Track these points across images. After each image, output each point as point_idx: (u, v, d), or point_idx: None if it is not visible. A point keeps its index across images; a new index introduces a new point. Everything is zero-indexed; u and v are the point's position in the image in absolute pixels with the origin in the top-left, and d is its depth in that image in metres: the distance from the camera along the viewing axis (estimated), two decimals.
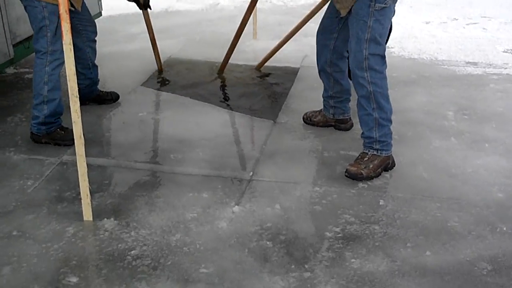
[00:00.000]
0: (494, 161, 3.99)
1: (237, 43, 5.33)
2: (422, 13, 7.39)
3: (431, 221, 3.33)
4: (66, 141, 4.07)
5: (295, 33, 5.44)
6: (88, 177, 3.19)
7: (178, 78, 5.44)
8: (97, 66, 4.63)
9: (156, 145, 4.22)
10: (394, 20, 5.83)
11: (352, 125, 4.42)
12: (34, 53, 4.16)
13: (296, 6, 7.95)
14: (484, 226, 3.29)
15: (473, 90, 5.14)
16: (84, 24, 4.37)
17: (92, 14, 4.68)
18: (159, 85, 5.26)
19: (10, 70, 5.41)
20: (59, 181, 3.70)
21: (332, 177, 3.79)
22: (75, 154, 3.88)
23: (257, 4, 6.22)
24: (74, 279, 2.80)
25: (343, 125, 4.41)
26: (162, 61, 5.60)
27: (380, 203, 3.51)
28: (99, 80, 4.71)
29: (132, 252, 3.01)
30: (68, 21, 2.78)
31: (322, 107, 4.50)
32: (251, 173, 3.84)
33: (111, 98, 4.79)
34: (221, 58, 5.81)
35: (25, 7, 4.01)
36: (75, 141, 3.07)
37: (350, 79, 3.99)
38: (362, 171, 3.75)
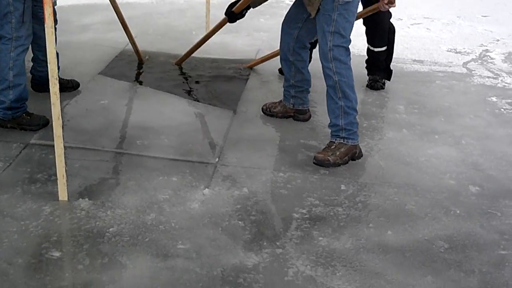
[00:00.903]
0: (444, 151, 4.24)
1: (203, 43, 5.41)
2: None
3: (390, 204, 3.55)
4: (33, 126, 4.13)
5: (208, 39, 5.49)
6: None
7: (135, 68, 5.50)
8: (58, 54, 4.63)
9: (122, 132, 4.30)
10: None
11: (310, 116, 4.59)
12: None
13: None
14: (439, 209, 3.52)
15: (421, 86, 5.40)
16: (39, 18, 4.25)
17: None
18: (117, 75, 5.29)
19: None
20: (29, 164, 3.74)
21: (295, 164, 3.95)
22: (42, 138, 3.99)
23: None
24: (56, 254, 2.87)
25: (301, 115, 4.56)
26: (117, 53, 5.65)
27: (342, 188, 3.70)
28: (59, 68, 4.71)
29: (111, 229, 3.09)
30: (51, 5, 2.84)
31: (279, 98, 4.66)
32: (217, 159, 3.96)
33: (72, 86, 4.81)
34: (175, 50, 5.93)
35: None
36: (53, 122, 3.13)
37: None
38: (329, 157, 3.93)
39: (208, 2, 6.49)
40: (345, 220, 3.36)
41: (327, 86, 4.00)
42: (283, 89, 4.59)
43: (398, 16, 7.52)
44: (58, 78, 3.06)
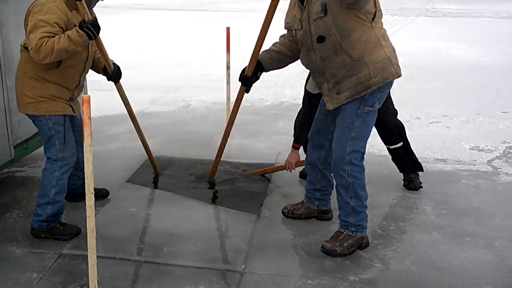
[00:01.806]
0: (478, 255, 4.15)
1: (225, 144, 5.44)
2: None
3: None
4: (65, 236, 4.24)
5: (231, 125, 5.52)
6: None
7: (162, 175, 5.56)
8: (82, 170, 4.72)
9: (149, 239, 4.33)
10: None
11: (332, 215, 4.60)
12: (30, 153, 4.28)
13: (263, 106, 8.23)
14: None
15: (447, 185, 5.37)
16: (78, 130, 4.45)
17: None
18: (144, 182, 5.37)
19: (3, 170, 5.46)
20: (62, 274, 3.81)
21: (323, 270, 3.90)
22: (74, 248, 4.04)
23: (227, 105, 6.51)
24: None
25: (326, 215, 4.60)
26: (143, 160, 5.74)
27: None
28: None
29: None
30: (90, 126, 2.94)
31: (301, 200, 4.67)
32: (243, 266, 3.93)
33: (102, 195, 4.91)
34: (198, 156, 6.03)
35: (33, 121, 4.25)
36: (88, 234, 3.21)
37: None
38: (336, 248, 4.00)
39: (228, 109, 6.62)
40: None
41: (338, 184, 4.07)
42: (306, 191, 4.61)
43: (416, 115, 7.62)
44: (93, 193, 3.12)
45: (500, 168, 5.82)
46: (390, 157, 5.33)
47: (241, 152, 6.19)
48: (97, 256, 3.44)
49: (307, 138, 4.59)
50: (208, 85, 9.44)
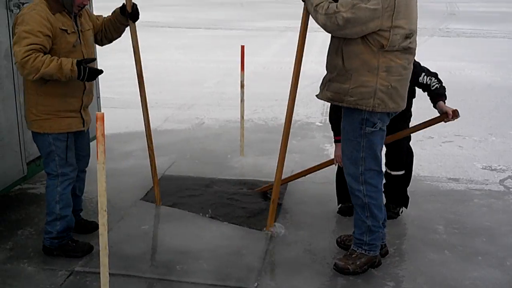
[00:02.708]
0: (490, 274, 4.16)
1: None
2: None
3: None
4: (77, 253, 4.24)
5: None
6: None
7: (174, 193, 5.60)
8: (80, 197, 4.68)
9: (162, 257, 4.34)
10: None
11: (387, 252, 4.37)
12: (42, 170, 4.32)
13: (277, 125, 8.26)
14: None
15: (459, 205, 5.38)
16: (78, 154, 4.40)
17: (90, 135, 4.76)
18: (157, 200, 5.38)
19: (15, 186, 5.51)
20: None
21: None
22: (86, 265, 4.07)
23: (241, 123, 6.57)
24: None
25: (380, 251, 4.26)
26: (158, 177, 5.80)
27: None
28: (81, 209, 4.75)
29: None
30: (103, 143, 2.97)
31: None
32: (256, 283, 3.95)
33: (90, 228, 4.66)
34: (211, 174, 6.08)
35: (32, 136, 4.22)
36: (100, 252, 3.21)
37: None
38: (349, 266, 4.03)
39: (242, 127, 6.68)
40: None
41: (354, 204, 4.08)
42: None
43: (429, 135, 7.63)
44: (106, 210, 3.15)
45: None
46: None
47: (255, 170, 6.23)
48: (109, 273, 3.48)
49: None
50: (222, 103, 9.51)
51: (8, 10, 4.55)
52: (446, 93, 4.78)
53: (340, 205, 5.15)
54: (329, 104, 4.55)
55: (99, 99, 6.13)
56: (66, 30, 4.00)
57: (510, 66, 13.29)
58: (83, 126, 4.27)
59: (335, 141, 4.87)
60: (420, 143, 7.31)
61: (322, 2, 3.79)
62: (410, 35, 3.77)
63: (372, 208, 4.02)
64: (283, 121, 8.42)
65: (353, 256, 4.11)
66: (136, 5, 4.48)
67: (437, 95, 4.73)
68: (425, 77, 4.79)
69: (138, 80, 4.75)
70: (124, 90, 10.38)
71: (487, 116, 8.83)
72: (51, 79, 3.90)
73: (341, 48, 3.85)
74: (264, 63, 13.46)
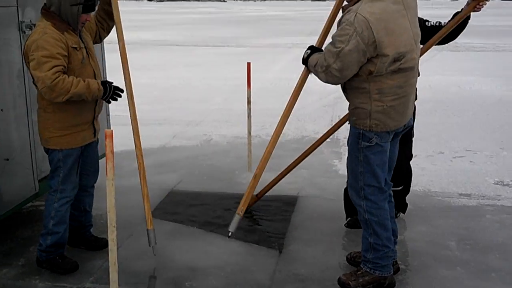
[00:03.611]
0: None
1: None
2: None
3: None
4: (61, 269, 4.27)
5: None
6: None
7: (183, 209, 5.58)
8: (90, 213, 4.70)
9: (171, 273, 4.30)
10: None
11: (398, 269, 4.29)
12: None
13: (285, 140, 8.21)
14: None
15: (471, 221, 5.30)
16: (87, 169, 4.48)
17: (100, 153, 4.76)
18: (166, 216, 5.40)
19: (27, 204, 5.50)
20: None
21: None
22: (97, 281, 4.08)
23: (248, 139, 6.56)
24: None
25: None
26: (165, 194, 5.77)
27: None
28: (91, 225, 4.76)
29: None
30: (113, 160, 2.96)
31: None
32: None
33: (100, 245, 4.63)
34: (219, 189, 6.06)
35: (45, 150, 4.29)
36: (110, 268, 3.24)
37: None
38: (350, 282, 4.00)
39: (249, 143, 6.65)
40: None
41: (359, 219, 4.06)
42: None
43: (440, 150, 7.58)
44: (115, 226, 3.13)
45: None
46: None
47: (261, 186, 6.15)
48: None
49: None
50: (230, 119, 9.50)
51: (20, 31, 4.59)
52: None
53: (348, 218, 5.11)
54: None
55: (109, 117, 6.13)
56: (76, 48, 4.06)
57: None
58: (94, 137, 4.37)
59: None
60: (431, 159, 7.26)
61: (318, 61, 3.85)
62: (400, 57, 3.70)
63: (374, 225, 3.96)
64: (291, 137, 8.54)
65: (358, 273, 4.06)
66: None
67: (453, 17, 4.71)
68: (430, 22, 4.82)
69: (122, 65, 4.56)
70: None
71: (498, 130, 8.76)
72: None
73: None
74: (271, 79, 13.47)
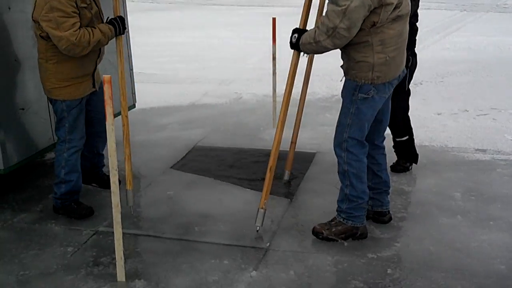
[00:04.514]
0: (498, 237, 4.24)
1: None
2: (435, 105, 7.79)
3: None
4: (77, 215, 4.58)
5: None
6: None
7: (204, 162, 5.86)
8: (102, 155, 5.07)
9: (182, 219, 4.59)
10: None
11: (390, 218, 4.51)
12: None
13: (314, 99, 8.35)
14: None
15: (481, 174, 5.43)
16: (97, 117, 4.73)
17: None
18: (185, 168, 5.69)
19: (50, 155, 5.85)
20: (95, 248, 4.15)
21: (343, 249, 4.09)
22: (110, 225, 4.34)
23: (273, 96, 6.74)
24: None
25: (381, 217, 4.47)
26: (189, 149, 6.06)
27: (388, 272, 3.79)
28: (103, 165, 5.12)
29: None
30: (112, 105, 3.20)
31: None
32: (268, 243, 4.17)
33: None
34: (241, 145, 6.31)
35: (50, 101, 4.58)
36: (113, 209, 3.45)
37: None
38: (324, 231, 4.19)
39: (274, 100, 6.81)
40: None
41: (338, 172, 4.20)
42: None
43: (465, 108, 7.63)
44: (117, 169, 3.38)
45: None
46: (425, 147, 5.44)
47: (283, 142, 6.36)
48: (130, 233, 3.84)
49: None
50: (263, 78, 9.65)
51: None
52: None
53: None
54: None
55: (132, 72, 6.38)
56: (84, 7, 4.30)
57: None
58: (94, 87, 4.61)
59: None
60: (454, 116, 7.33)
61: (315, 33, 3.89)
62: (399, 4, 3.80)
63: (351, 177, 4.11)
64: (321, 95, 8.66)
65: (332, 223, 4.24)
66: None
67: None
68: None
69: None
70: (167, 67, 10.72)
71: None
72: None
73: None
74: None
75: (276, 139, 4.39)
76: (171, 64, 10.99)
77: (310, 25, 4.08)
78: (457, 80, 9.39)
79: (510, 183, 5.23)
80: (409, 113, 5.38)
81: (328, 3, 3.85)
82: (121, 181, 4.67)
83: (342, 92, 4.12)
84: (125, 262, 3.67)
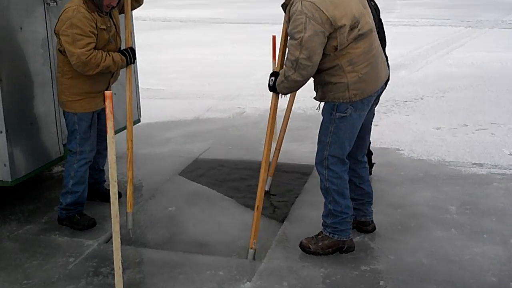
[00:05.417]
0: (491, 250, 4.31)
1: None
2: (434, 120, 7.86)
3: None
4: (80, 226, 4.71)
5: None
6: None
7: (205, 175, 5.98)
8: (103, 170, 5.21)
9: (178, 248, 4.53)
10: (406, 125, 6.26)
11: (374, 228, 4.63)
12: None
13: (316, 113, 8.38)
14: None
15: (477, 188, 5.50)
16: (101, 135, 4.85)
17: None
18: (190, 179, 5.84)
19: (58, 168, 6.02)
20: (96, 259, 4.27)
21: (337, 261, 4.18)
22: (110, 236, 4.41)
23: (278, 111, 6.79)
24: None
25: (365, 227, 4.59)
26: (191, 160, 6.19)
27: (380, 284, 3.87)
28: (105, 181, 5.25)
29: None
30: (113, 119, 3.33)
31: None
32: (263, 256, 4.26)
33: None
34: (242, 158, 6.45)
35: (63, 113, 4.76)
36: (112, 219, 3.53)
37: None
38: (310, 245, 4.27)
39: (272, 116, 6.85)
40: None
41: (320, 188, 4.30)
42: None
43: (464, 123, 7.70)
44: (116, 181, 3.47)
45: None
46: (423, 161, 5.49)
47: (283, 155, 6.46)
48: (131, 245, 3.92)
49: None
50: (266, 93, 9.68)
51: (45, 3, 4.99)
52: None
53: None
54: None
55: (138, 88, 6.52)
56: (103, 29, 4.51)
57: None
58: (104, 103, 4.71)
59: None
60: (453, 131, 7.40)
61: (284, 70, 4.01)
62: (356, 24, 3.88)
63: (333, 193, 4.19)
64: (321, 110, 8.74)
65: (319, 237, 4.31)
66: None
67: None
68: None
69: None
70: (174, 82, 10.87)
71: None
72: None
73: None
74: None
75: (261, 178, 4.34)
76: (179, 80, 11.14)
77: None
78: (458, 95, 9.46)
79: (505, 196, 5.30)
80: (408, 127, 5.47)
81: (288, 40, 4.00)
82: (121, 194, 4.82)
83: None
84: (123, 272, 3.76)
